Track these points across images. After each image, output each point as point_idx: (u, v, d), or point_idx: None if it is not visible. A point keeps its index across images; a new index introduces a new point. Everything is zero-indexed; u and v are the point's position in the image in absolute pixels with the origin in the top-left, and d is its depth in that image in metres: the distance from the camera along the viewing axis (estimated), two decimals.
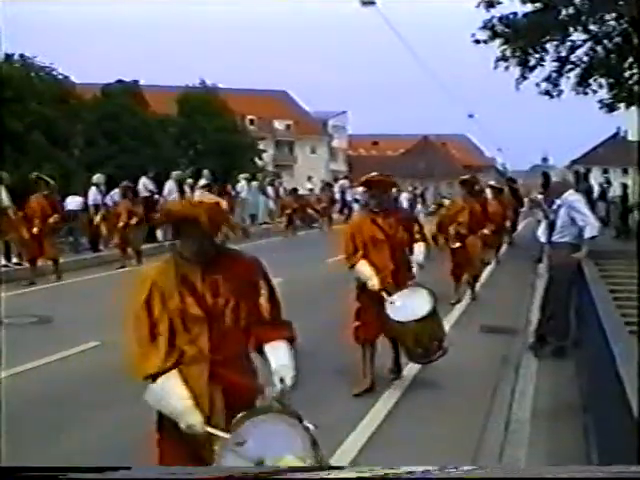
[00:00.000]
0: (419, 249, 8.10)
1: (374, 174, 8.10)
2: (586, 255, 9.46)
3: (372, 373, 7.98)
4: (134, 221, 18.07)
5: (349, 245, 7.96)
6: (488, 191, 17.76)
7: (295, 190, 31.50)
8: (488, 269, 15.97)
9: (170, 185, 22.84)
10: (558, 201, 9.54)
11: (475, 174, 18.31)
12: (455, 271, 13.24)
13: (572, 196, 9.48)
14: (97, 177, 21.54)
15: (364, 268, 7.78)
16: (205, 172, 25.98)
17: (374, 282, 7.70)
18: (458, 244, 13.07)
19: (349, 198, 36.41)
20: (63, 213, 17.61)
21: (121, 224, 18.07)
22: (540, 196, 20.77)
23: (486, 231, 13.43)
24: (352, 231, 8.08)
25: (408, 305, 7.57)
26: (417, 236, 8.11)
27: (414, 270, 8.00)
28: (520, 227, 26.70)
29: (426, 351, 7.77)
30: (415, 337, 7.62)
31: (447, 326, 11.10)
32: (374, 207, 7.92)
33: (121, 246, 18.23)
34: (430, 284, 8.03)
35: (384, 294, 7.66)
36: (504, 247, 20.06)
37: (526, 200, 30.23)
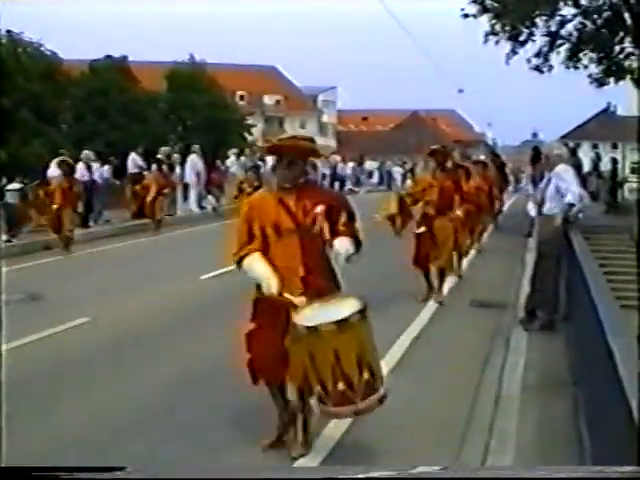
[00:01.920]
0: (341, 243, 5.43)
1: (284, 136, 6.19)
2: (561, 221, 9.32)
3: (284, 420, 5.69)
4: (72, 202, 16.01)
5: (242, 233, 5.56)
6: (471, 166, 16.06)
7: (257, 166, 27.47)
8: (472, 252, 14.92)
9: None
10: (550, 174, 9.55)
11: (465, 149, 17.80)
12: (420, 261, 11.02)
13: (562, 167, 9.48)
14: (85, 153, 21.43)
15: (256, 264, 5.42)
16: (195, 147, 26.04)
17: (270, 283, 5.32)
18: (423, 228, 10.96)
19: (340, 172, 36.55)
20: None
21: (55, 206, 15.75)
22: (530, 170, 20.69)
23: (459, 212, 11.23)
24: (248, 213, 5.64)
25: (330, 310, 5.13)
26: (342, 228, 5.47)
27: (339, 277, 5.57)
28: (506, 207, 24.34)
29: (350, 388, 5.04)
30: (335, 356, 5.01)
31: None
32: (283, 181, 5.57)
33: (55, 229, 15.98)
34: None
35: (289, 296, 5.31)
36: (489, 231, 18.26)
37: (524, 175, 29.72)
